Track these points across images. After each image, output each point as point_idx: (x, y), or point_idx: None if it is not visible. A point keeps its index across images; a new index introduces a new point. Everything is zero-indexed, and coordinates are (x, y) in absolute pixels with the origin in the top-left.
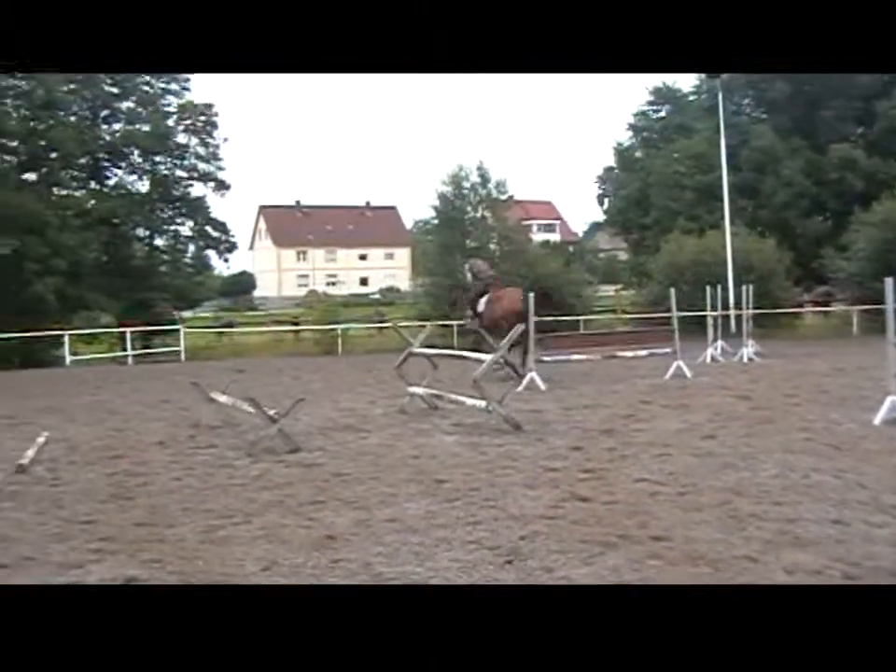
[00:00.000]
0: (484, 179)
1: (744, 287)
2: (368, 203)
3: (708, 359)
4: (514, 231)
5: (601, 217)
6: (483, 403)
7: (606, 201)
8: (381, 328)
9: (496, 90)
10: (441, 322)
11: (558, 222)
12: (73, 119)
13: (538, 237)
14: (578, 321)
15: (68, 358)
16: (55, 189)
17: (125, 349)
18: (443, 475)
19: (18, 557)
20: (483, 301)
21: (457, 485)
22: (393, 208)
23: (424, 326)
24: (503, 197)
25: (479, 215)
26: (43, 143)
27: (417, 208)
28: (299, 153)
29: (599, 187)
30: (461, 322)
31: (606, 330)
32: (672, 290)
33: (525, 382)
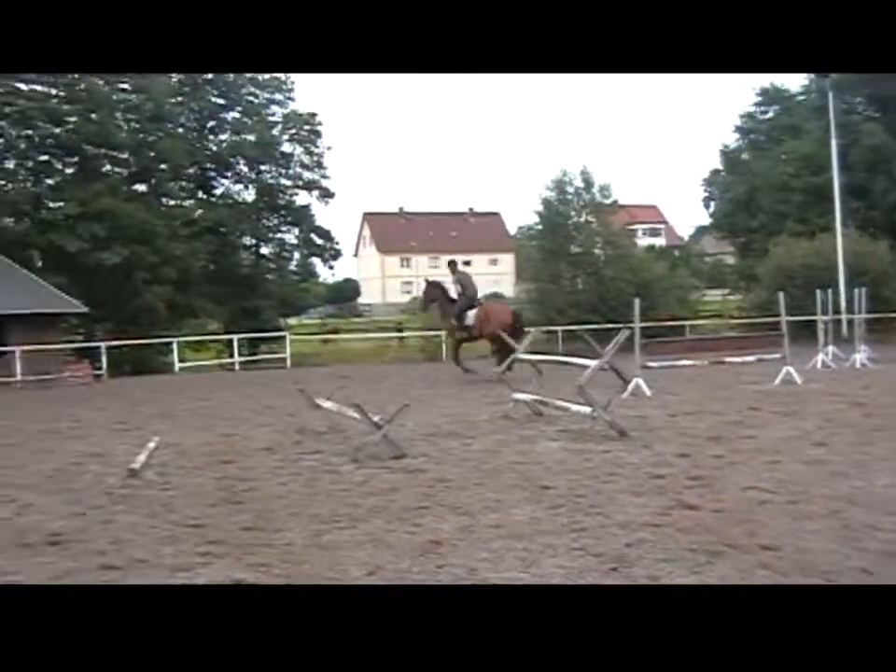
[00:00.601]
0: (588, 183)
1: (856, 291)
2: (471, 209)
3: (819, 365)
4: (619, 235)
5: (707, 221)
6: (588, 409)
7: (712, 204)
8: None
9: (600, 92)
10: (545, 328)
11: (663, 226)
12: (181, 130)
13: (643, 241)
14: (684, 326)
15: (177, 365)
16: (164, 200)
17: (232, 356)
18: (548, 481)
19: (130, 559)
20: (471, 314)
21: (562, 492)
22: (496, 214)
23: (528, 332)
24: (607, 201)
25: (583, 219)
26: (152, 154)
27: (521, 214)
28: (402, 160)
29: (705, 190)
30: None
31: (712, 335)
32: (781, 294)
33: (630, 388)
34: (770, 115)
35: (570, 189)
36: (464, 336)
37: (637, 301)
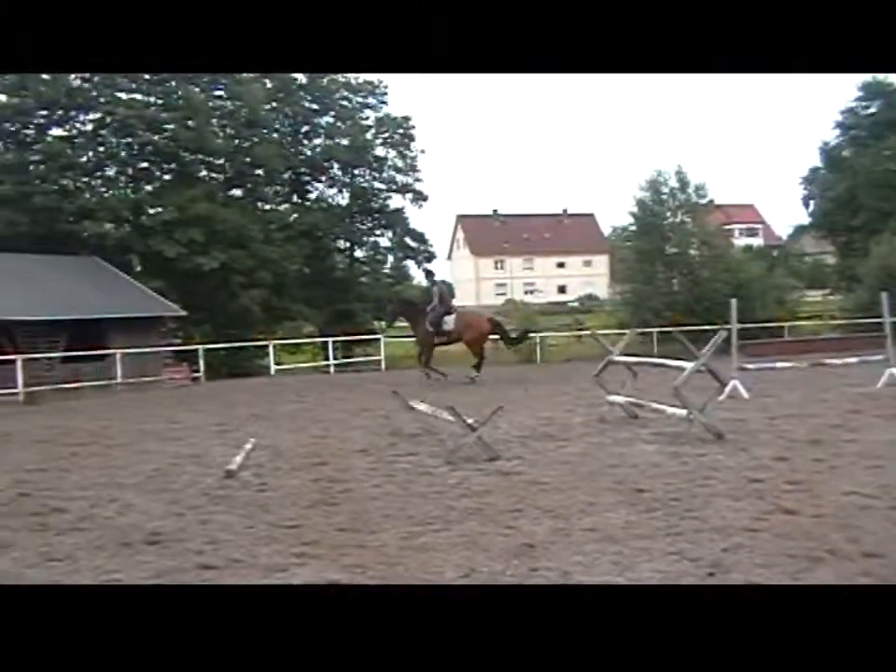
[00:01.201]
0: (683, 183)
1: None
2: (565, 211)
3: None
4: (715, 235)
5: (807, 220)
6: (684, 412)
7: (811, 202)
8: (579, 336)
9: (695, 91)
10: (640, 330)
11: (761, 226)
12: (275, 135)
13: (739, 242)
14: (782, 327)
15: (273, 368)
16: (259, 204)
17: (327, 358)
18: (644, 484)
19: (227, 559)
20: (449, 319)
21: (658, 495)
22: (590, 215)
23: (623, 333)
24: (703, 201)
25: (678, 220)
26: (248, 160)
27: (615, 215)
28: (496, 162)
29: (805, 188)
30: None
31: (812, 337)
32: (884, 295)
33: (727, 390)
34: (872, 110)
35: (665, 190)
36: (443, 341)
37: (733, 302)
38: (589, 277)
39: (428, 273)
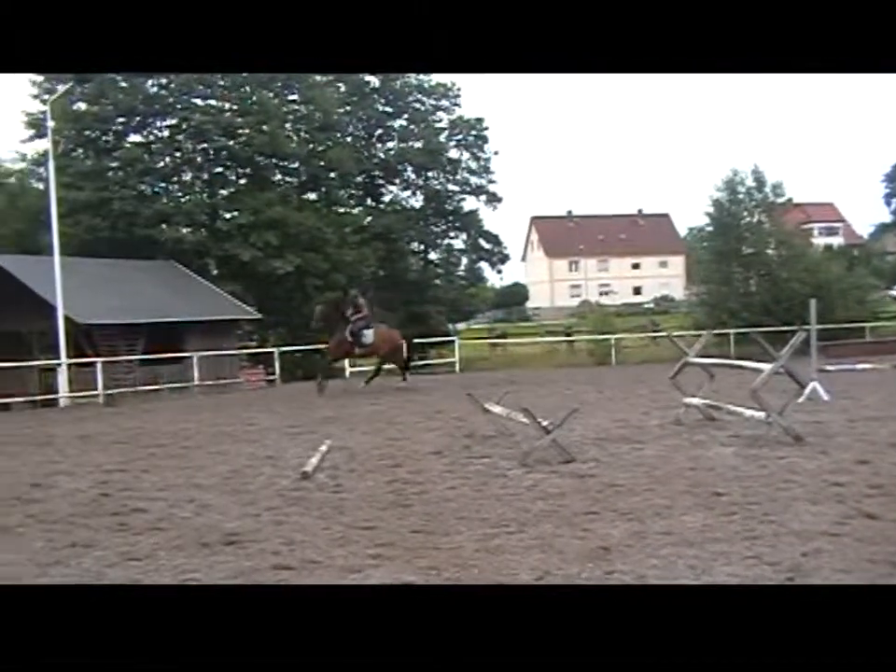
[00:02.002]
0: (760, 183)
1: None
2: (640, 211)
3: None
4: (793, 235)
5: (889, 218)
6: (762, 414)
7: (894, 200)
8: (655, 337)
9: (771, 89)
10: (717, 331)
11: (841, 224)
12: (349, 139)
13: (819, 241)
14: (863, 328)
15: (348, 370)
16: (334, 208)
17: None
18: (721, 488)
19: (303, 560)
20: (368, 332)
21: (735, 499)
22: (666, 216)
23: (699, 335)
24: (781, 200)
25: (755, 220)
26: (321, 163)
27: (691, 215)
28: (570, 163)
29: (886, 186)
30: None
31: (894, 338)
32: None
33: (806, 392)
34: None
35: (742, 189)
36: (362, 352)
37: (812, 303)
38: (664, 278)
39: (361, 285)
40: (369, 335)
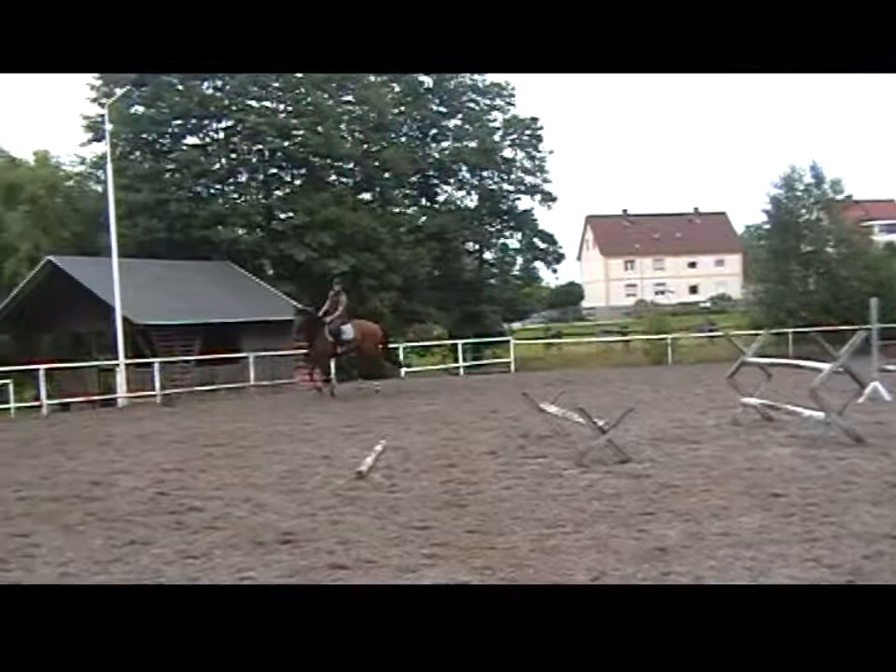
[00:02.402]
0: (819, 179)
1: None
2: (696, 210)
3: None
4: (853, 232)
5: None
6: (821, 414)
7: None
8: (712, 337)
9: (829, 86)
10: (775, 330)
11: None
12: (403, 139)
13: (879, 238)
14: None
15: (403, 370)
16: (388, 208)
17: (457, 360)
18: (779, 488)
19: (358, 559)
20: (347, 329)
21: (794, 500)
22: (722, 213)
23: (757, 334)
24: (840, 197)
25: (814, 217)
26: (376, 164)
27: (748, 212)
28: (625, 161)
29: None
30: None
31: None
32: None
33: (867, 392)
34: None
35: (800, 186)
36: (343, 350)
37: (874, 301)
38: (721, 277)
39: (332, 279)
40: (348, 331)
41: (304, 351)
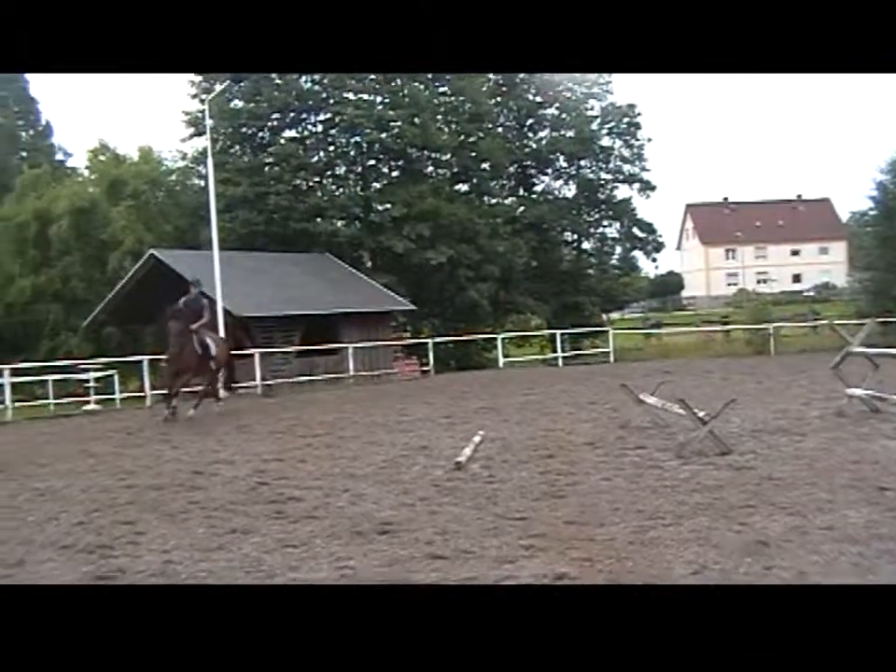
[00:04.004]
0: None
1: None
2: (799, 197)
3: None
4: None
5: None
6: None
7: None
8: (815, 326)
9: None
10: (882, 320)
11: None
12: (500, 129)
13: None
14: None
15: (501, 360)
16: (485, 198)
17: (555, 351)
18: (887, 482)
19: (456, 550)
20: (210, 340)
21: None
22: (826, 200)
23: (863, 324)
24: None
25: None
26: (473, 154)
27: (854, 199)
28: (725, 147)
29: None
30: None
31: None
32: None
33: None
34: None
35: None
36: (212, 367)
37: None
38: (825, 265)
39: (196, 282)
40: (213, 347)
41: (165, 359)
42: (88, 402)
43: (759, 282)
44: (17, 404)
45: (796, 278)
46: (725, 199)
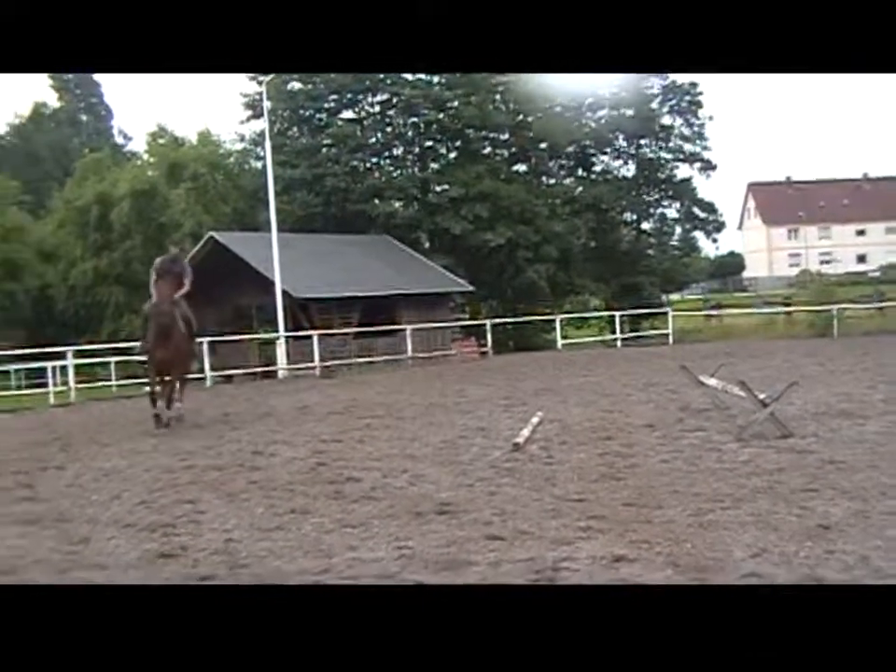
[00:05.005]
0: None
1: None
2: (865, 175)
3: None
4: None
5: None
6: None
7: None
8: (881, 308)
9: None
10: None
11: None
12: (558, 109)
13: None
14: None
15: (559, 342)
16: (543, 179)
17: (614, 332)
18: None
19: (515, 531)
20: (192, 317)
21: None
22: (893, 179)
23: None
24: None
25: None
26: (530, 135)
27: None
28: (789, 126)
29: None
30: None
31: None
32: None
33: None
34: None
35: None
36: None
37: None
38: (892, 245)
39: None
40: (194, 324)
41: (143, 352)
42: None
43: (822, 262)
44: (80, 385)
45: (861, 259)
46: (788, 178)
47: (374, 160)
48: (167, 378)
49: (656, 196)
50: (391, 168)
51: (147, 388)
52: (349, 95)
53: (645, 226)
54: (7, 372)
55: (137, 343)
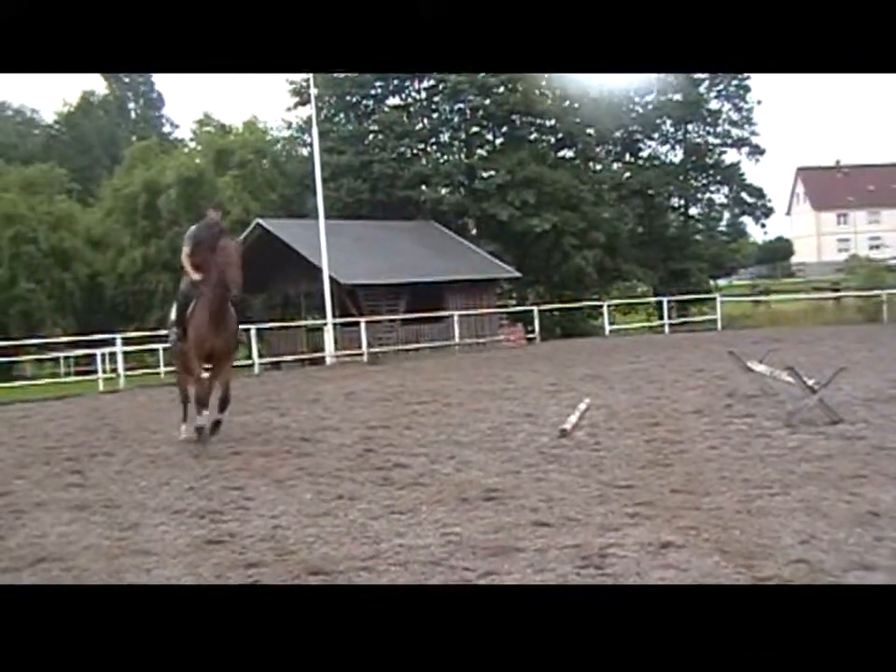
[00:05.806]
0: None
1: None
2: None
3: None
4: None
5: None
6: None
7: None
8: None
9: None
10: None
11: None
12: (605, 94)
13: None
14: None
15: (607, 328)
16: (590, 164)
17: (661, 318)
18: None
19: (562, 517)
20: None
21: None
22: None
23: None
24: None
25: None
26: (577, 120)
27: None
28: (838, 109)
29: None
30: None
31: None
32: None
33: None
34: None
35: None
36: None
37: None
38: None
39: (218, 205)
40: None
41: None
42: None
43: (872, 248)
44: (128, 372)
45: None
46: (837, 162)
47: (421, 146)
48: (213, 373)
49: (704, 181)
50: (438, 154)
51: (181, 384)
52: (395, 81)
53: (693, 211)
54: (57, 360)
55: None
